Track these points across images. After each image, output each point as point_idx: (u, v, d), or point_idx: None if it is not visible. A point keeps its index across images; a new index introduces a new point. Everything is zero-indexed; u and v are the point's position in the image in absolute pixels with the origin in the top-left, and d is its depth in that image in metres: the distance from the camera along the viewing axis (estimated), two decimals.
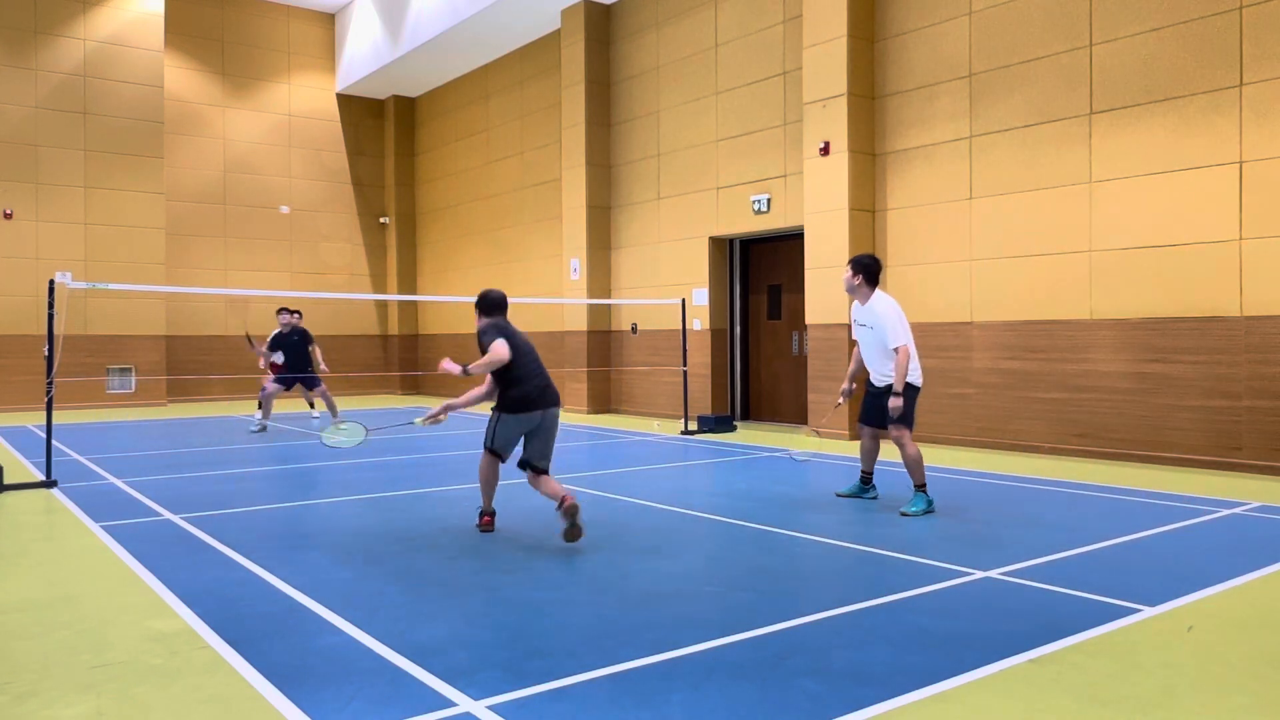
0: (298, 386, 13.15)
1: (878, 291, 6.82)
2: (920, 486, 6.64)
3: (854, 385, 7.18)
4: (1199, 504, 6.86)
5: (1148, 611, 4.17)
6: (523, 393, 5.85)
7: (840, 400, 7.15)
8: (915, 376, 6.75)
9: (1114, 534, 5.81)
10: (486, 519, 6.11)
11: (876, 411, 6.90)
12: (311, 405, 14.57)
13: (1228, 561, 5.09)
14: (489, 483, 6.09)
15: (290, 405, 16.15)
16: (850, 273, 6.82)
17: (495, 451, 5.93)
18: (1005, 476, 8.28)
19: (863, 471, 7.16)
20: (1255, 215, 8.24)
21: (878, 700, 3.18)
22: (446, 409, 5.89)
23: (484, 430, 6.01)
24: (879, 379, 6.87)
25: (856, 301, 6.91)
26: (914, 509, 6.50)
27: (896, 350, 6.60)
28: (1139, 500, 7.06)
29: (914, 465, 6.64)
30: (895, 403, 6.60)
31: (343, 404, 16.06)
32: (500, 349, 5.75)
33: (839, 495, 7.21)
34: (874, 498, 7.12)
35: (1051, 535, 5.78)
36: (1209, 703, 3.16)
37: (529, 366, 5.99)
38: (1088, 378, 9.36)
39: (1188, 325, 8.65)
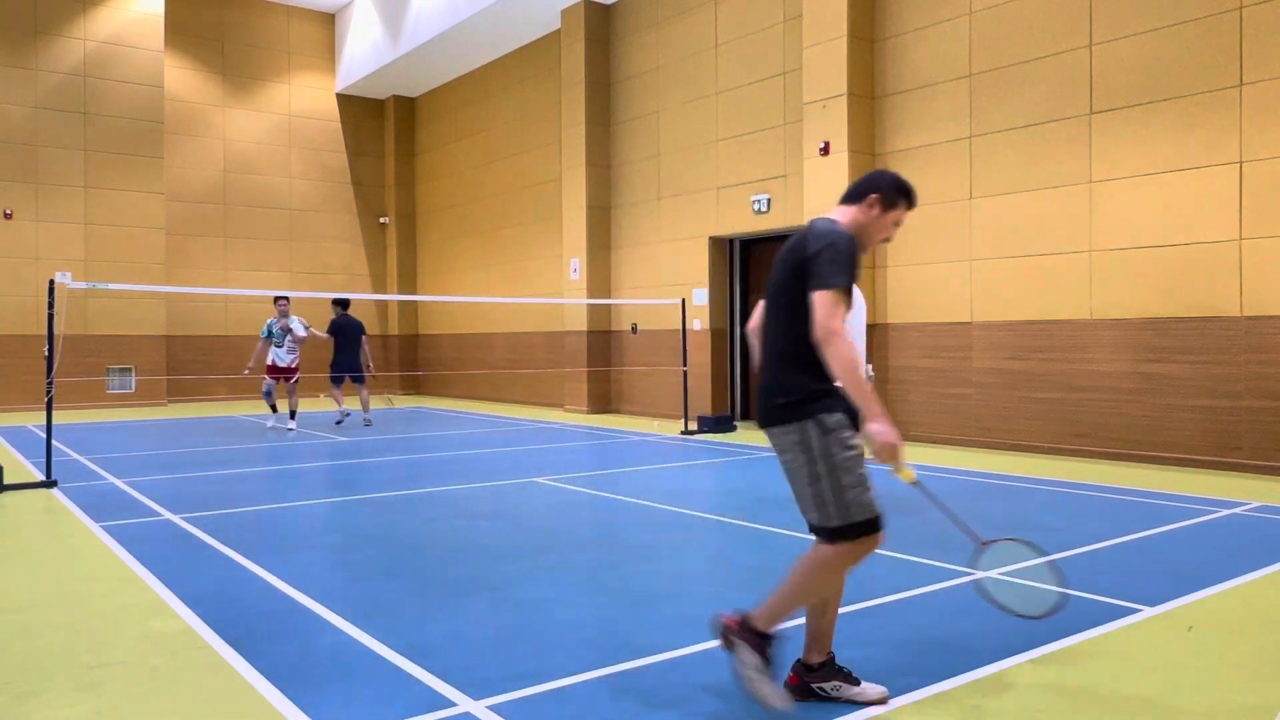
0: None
1: None
2: None
3: None
4: (1199, 504, 6.86)
5: (1148, 611, 4.17)
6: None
7: None
8: None
9: (1114, 534, 5.81)
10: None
11: None
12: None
13: (1228, 561, 5.09)
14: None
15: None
16: None
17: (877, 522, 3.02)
18: (1005, 476, 8.28)
19: None
20: (1255, 215, 8.24)
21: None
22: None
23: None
24: None
25: None
26: None
27: None
28: (1138, 500, 7.06)
29: None
30: None
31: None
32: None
33: None
34: None
35: (1051, 535, 5.77)
36: (1209, 703, 3.16)
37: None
38: (1087, 378, 9.36)
39: (1188, 325, 8.65)
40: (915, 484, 3.00)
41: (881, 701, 3.15)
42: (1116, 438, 9.15)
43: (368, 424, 13.53)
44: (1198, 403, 8.58)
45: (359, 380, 13.69)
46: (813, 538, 3.11)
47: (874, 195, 3.20)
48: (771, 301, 3.18)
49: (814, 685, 3.17)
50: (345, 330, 13.69)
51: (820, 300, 2.90)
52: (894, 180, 3.22)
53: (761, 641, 3.04)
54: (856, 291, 6.91)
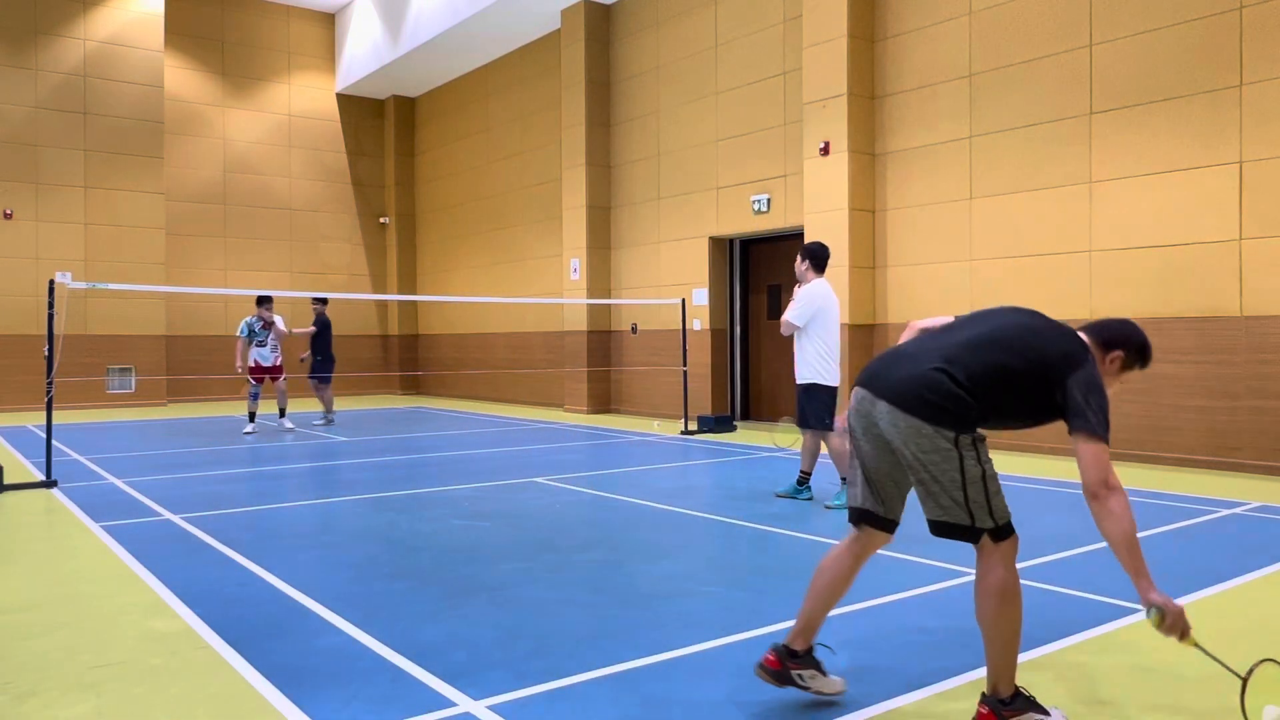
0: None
1: (818, 279, 6.98)
2: (804, 477, 7.10)
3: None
4: (1199, 504, 6.86)
5: None
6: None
7: None
8: (827, 377, 6.87)
9: None
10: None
11: (799, 410, 7.13)
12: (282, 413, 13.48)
13: (1228, 561, 5.09)
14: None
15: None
16: (798, 259, 7.07)
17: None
18: (1005, 477, 8.27)
19: (801, 471, 7.19)
20: (1255, 215, 8.24)
21: (878, 700, 3.18)
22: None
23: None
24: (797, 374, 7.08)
25: None
26: (835, 501, 6.81)
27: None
28: (1139, 500, 7.06)
29: (836, 458, 6.90)
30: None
31: (342, 404, 16.03)
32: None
33: (778, 495, 7.29)
34: (808, 499, 7.15)
35: (1052, 535, 5.77)
36: (1209, 703, 3.16)
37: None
38: None
39: (1187, 325, 8.65)
40: (1197, 646, 2.92)
41: (839, 693, 3.20)
42: (1116, 438, 9.15)
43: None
44: (1198, 403, 8.58)
45: (328, 380, 13.76)
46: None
47: (1119, 353, 3.18)
48: (986, 339, 3.08)
49: (794, 672, 3.17)
50: (329, 328, 13.80)
51: (1095, 453, 2.91)
52: (1141, 344, 3.18)
53: (1019, 705, 2.91)
54: (831, 292, 6.93)
